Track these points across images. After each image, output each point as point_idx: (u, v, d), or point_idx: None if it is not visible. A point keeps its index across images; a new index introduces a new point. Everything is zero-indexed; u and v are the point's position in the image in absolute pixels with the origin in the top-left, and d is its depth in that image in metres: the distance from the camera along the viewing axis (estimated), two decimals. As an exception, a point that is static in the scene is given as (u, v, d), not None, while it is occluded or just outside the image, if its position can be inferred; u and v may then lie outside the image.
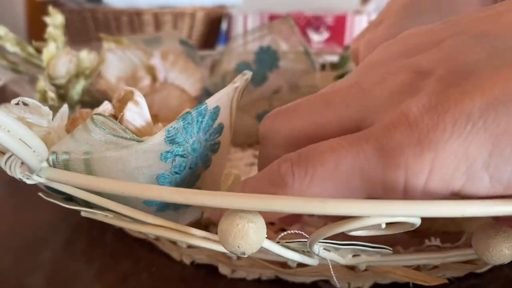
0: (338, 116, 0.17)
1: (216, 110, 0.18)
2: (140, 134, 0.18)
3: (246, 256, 0.15)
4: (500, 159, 0.13)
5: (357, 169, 0.14)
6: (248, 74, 0.19)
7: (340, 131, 0.16)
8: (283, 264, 0.20)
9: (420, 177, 0.14)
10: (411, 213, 0.13)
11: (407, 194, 0.14)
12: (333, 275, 0.18)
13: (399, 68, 0.16)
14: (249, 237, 0.14)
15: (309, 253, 0.18)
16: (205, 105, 0.17)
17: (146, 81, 0.34)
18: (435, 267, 0.20)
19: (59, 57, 0.29)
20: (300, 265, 0.20)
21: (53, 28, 0.33)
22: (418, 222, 0.14)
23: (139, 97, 0.19)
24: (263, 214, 0.15)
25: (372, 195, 0.15)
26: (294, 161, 0.15)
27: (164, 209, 0.19)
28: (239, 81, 0.19)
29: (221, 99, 0.18)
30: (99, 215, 0.20)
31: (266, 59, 0.45)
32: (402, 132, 0.14)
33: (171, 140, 0.17)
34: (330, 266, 0.17)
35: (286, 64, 0.45)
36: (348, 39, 0.91)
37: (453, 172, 0.13)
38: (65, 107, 0.20)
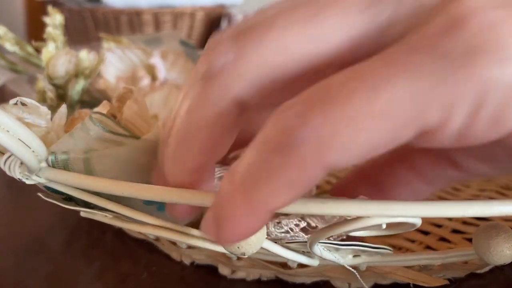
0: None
1: None
2: (140, 134, 0.18)
3: (246, 256, 0.15)
4: None
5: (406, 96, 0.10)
6: None
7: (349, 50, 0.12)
8: (283, 264, 0.20)
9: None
10: (412, 213, 0.13)
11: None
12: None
13: None
14: (249, 238, 0.14)
15: (309, 253, 0.18)
16: None
17: (146, 81, 0.33)
18: (436, 267, 0.20)
19: (58, 57, 0.29)
20: (301, 265, 0.20)
21: (53, 28, 0.33)
22: (418, 222, 0.14)
23: (138, 96, 0.19)
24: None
25: (425, 126, 0.10)
26: (303, 107, 0.10)
27: (165, 208, 0.19)
28: None
29: None
30: (98, 216, 0.20)
31: None
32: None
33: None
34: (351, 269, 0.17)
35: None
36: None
37: None
38: (63, 107, 0.20)
